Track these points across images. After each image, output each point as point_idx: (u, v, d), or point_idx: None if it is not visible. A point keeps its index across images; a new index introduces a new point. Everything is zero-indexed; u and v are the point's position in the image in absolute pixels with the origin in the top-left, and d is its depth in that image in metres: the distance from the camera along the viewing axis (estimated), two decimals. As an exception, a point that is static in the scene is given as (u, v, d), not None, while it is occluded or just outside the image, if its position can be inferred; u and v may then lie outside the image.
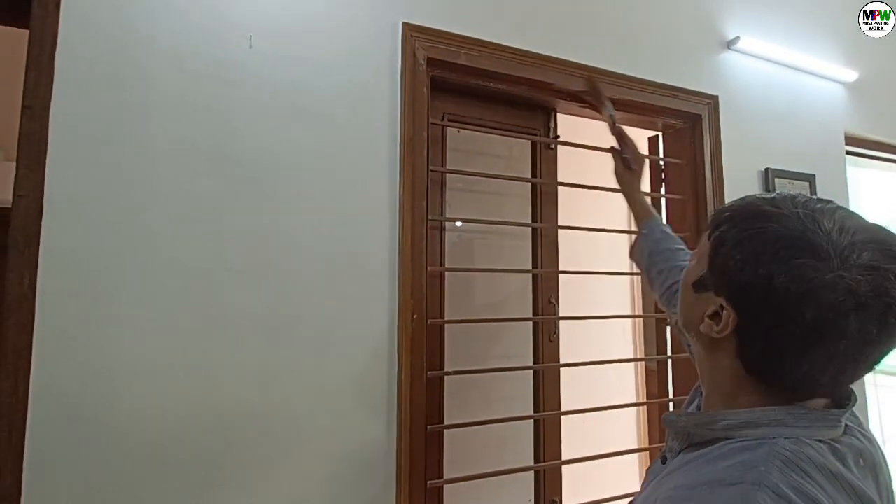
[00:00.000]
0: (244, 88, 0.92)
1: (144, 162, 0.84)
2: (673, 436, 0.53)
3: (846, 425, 0.48)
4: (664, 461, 0.55)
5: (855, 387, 0.50)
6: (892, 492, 0.48)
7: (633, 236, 1.03)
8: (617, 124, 1.13)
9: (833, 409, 0.47)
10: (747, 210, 0.48)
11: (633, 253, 1.02)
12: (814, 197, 0.47)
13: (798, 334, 0.42)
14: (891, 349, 0.44)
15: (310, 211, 0.95)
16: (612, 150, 1.13)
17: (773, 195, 0.48)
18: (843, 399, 0.49)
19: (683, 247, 0.94)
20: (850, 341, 0.42)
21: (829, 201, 0.46)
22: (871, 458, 0.47)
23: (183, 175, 0.87)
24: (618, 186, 1.15)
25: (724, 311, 0.47)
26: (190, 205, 0.87)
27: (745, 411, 0.47)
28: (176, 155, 0.86)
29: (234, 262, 0.89)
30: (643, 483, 0.60)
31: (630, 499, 0.61)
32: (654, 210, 1.04)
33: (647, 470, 0.60)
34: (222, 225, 0.89)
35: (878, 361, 0.45)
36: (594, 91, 1.19)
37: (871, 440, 0.49)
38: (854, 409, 0.50)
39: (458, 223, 1.32)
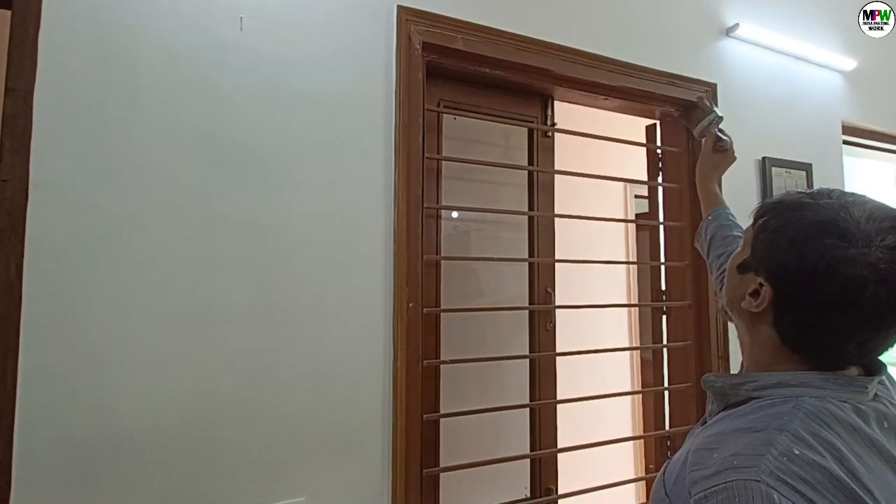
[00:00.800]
0: (234, 72, 0.89)
1: (133, 146, 0.82)
2: (712, 398, 0.59)
3: (876, 394, 0.52)
4: (703, 423, 0.60)
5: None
6: None
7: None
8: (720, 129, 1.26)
9: (862, 377, 0.51)
10: (787, 201, 0.54)
11: (696, 239, 1.08)
12: (849, 191, 0.53)
13: (824, 304, 0.48)
14: None
15: (302, 197, 0.94)
16: (709, 132, 1.26)
17: (811, 190, 0.54)
18: (875, 371, 0.53)
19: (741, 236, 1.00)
20: (870, 311, 0.47)
21: (862, 195, 0.52)
22: (895, 422, 0.50)
23: (172, 160, 0.85)
24: (613, 178, 1.15)
25: (763, 288, 0.53)
26: (180, 190, 0.85)
27: (777, 374, 0.52)
28: (165, 139, 0.84)
29: (225, 250, 0.87)
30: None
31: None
32: (723, 200, 1.12)
33: (688, 434, 0.66)
34: (213, 211, 0.87)
35: None
36: (703, 105, 1.33)
37: None
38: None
39: (455, 214, 1.31)
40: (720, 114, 1.28)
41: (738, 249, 0.60)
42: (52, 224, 0.77)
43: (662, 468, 0.57)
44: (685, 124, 1.41)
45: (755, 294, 0.53)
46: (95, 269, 0.79)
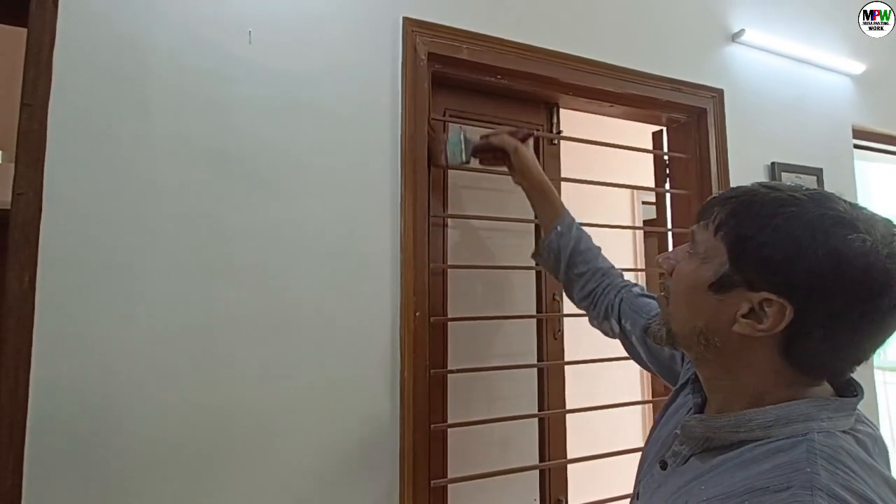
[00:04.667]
0: (243, 84, 0.91)
1: (144, 159, 0.84)
2: (681, 441, 0.51)
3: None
4: (664, 467, 0.53)
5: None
6: None
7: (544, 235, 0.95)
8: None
9: (845, 398, 0.47)
10: (758, 199, 0.46)
11: (540, 251, 0.94)
12: (800, 185, 0.48)
13: (867, 307, 0.42)
14: None
15: (310, 207, 0.95)
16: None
17: (763, 183, 0.48)
18: (849, 388, 0.48)
19: (597, 246, 0.94)
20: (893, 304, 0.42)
21: (818, 189, 0.47)
22: (882, 445, 0.47)
23: (183, 172, 0.86)
24: (618, 182, 1.13)
25: (771, 307, 0.44)
26: (190, 202, 0.86)
27: (771, 409, 0.45)
28: (175, 152, 0.86)
29: (234, 260, 0.88)
30: (637, 492, 0.59)
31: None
32: (562, 204, 0.96)
33: (640, 479, 0.58)
34: (222, 222, 0.88)
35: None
36: (441, 136, 1.04)
37: (874, 427, 0.49)
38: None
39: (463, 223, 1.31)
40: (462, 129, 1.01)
41: (694, 264, 0.50)
42: (65, 236, 0.78)
43: None
44: (435, 164, 1.07)
45: (752, 314, 0.45)
46: (105, 281, 0.80)
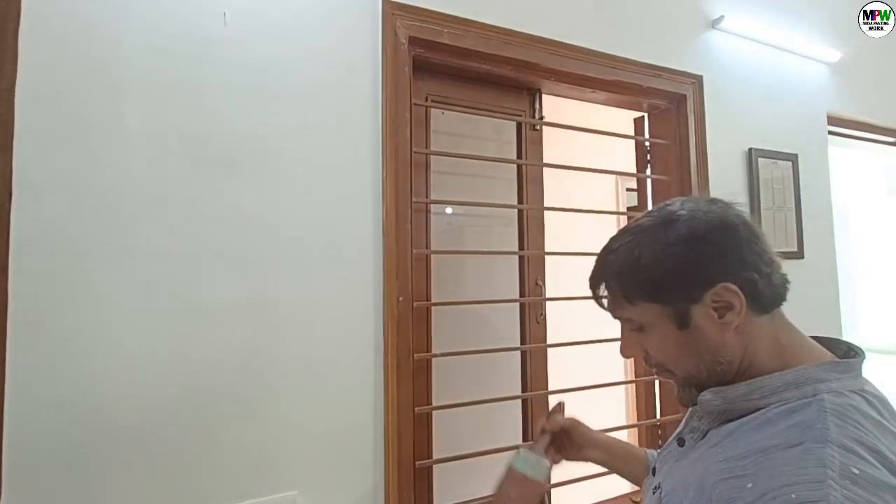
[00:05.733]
0: (219, 67, 0.89)
1: (117, 143, 0.82)
2: (699, 416, 0.54)
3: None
4: (681, 444, 0.55)
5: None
6: None
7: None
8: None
9: (849, 360, 0.50)
10: (616, 258, 0.54)
11: None
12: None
13: (740, 241, 0.51)
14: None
15: (290, 193, 0.94)
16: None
17: (604, 247, 0.57)
18: (850, 351, 0.52)
19: None
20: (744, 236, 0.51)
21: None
22: (890, 407, 0.49)
23: (158, 157, 0.84)
24: (599, 170, 1.12)
25: (721, 297, 0.50)
26: (166, 187, 0.85)
27: (778, 374, 0.49)
28: (150, 136, 0.84)
29: (213, 246, 0.87)
30: (656, 469, 0.60)
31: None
32: (632, 445, 0.88)
33: (660, 457, 0.60)
34: (200, 208, 0.87)
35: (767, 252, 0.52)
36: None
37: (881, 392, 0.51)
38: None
39: (449, 209, 1.31)
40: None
41: (651, 333, 0.53)
42: (38, 222, 0.76)
43: None
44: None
45: (723, 309, 0.50)
46: (81, 267, 0.79)
